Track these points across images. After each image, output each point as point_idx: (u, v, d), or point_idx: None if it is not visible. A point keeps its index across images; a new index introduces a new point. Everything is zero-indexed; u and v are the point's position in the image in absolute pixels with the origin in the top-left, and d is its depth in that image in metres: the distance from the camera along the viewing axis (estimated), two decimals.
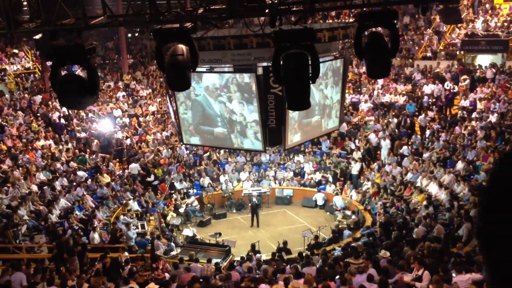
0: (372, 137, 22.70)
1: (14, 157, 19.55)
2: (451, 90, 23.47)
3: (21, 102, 24.93)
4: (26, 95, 25.85)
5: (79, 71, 19.64)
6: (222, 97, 13.33)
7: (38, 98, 25.63)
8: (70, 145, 22.68)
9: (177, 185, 21.98)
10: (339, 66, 14.08)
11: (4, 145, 20.99)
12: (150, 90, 29.03)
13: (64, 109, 24.15)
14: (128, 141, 23.87)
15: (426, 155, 20.26)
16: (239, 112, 13.33)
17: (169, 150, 23.74)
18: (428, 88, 24.31)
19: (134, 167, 22.04)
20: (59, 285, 11.06)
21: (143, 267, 13.16)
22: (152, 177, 21.95)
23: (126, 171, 22.00)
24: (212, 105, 13.66)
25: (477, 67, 24.73)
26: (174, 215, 20.37)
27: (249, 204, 20.88)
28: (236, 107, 13.28)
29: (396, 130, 22.64)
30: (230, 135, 13.91)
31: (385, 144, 21.97)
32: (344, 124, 23.77)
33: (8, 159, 19.54)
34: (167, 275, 12.56)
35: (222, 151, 24.03)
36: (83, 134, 23.65)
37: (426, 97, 23.97)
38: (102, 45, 34.41)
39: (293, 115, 13.42)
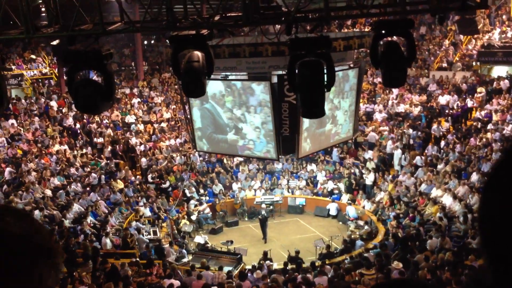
0: (388, 144, 22.52)
1: (18, 165, 19.74)
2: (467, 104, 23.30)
3: (38, 108, 25.17)
4: (42, 100, 26.11)
5: (95, 77, 19.79)
6: (227, 104, 13.51)
7: (53, 102, 25.88)
8: (85, 150, 22.84)
9: (188, 193, 22.01)
10: (343, 77, 13.85)
11: (20, 149, 21.20)
12: (165, 97, 29.19)
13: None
14: (142, 147, 23.99)
15: (440, 166, 20.08)
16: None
17: (183, 157, 23.81)
18: (443, 99, 24.15)
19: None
20: None
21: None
22: (167, 184, 22.04)
23: (138, 177, 22.11)
24: (221, 114, 13.77)
25: (495, 78, 24.54)
26: (187, 222, 20.38)
27: (258, 217, 20.45)
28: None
29: (411, 141, 22.47)
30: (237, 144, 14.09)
31: (397, 153, 21.83)
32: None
33: (23, 164, 19.72)
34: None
35: (235, 159, 24.07)
36: (99, 140, 23.82)
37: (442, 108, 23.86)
38: (118, 52, 34.68)
39: (305, 127, 13.41)
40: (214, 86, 13.33)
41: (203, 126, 14.37)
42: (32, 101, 25.75)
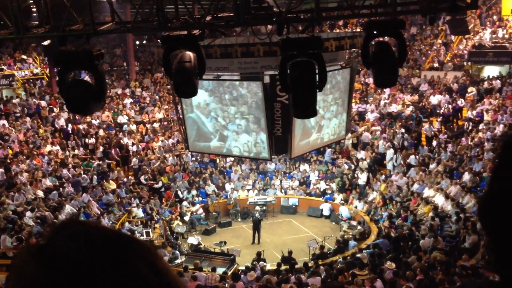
0: (380, 144, 22.58)
1: (7, 167, 19.62)
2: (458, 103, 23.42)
3: (27, 108, 24.98)
4: (34, 101, 25.93)
5: (87, 78, 19.68)
6: (211, 113, 13.56)
7: (44, 103, 25.72)
8: (77, 151, 22.71)
9: (181, 194, 21.95)
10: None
11: (11, 150, 21.05)
12: (157, 97, 29.09)
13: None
14: (134, 148, 23.91)
15: (432, 166, 20.15)
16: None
17: (175, 157, 23.75)
18: (435, 99, 24.25)
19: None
20: None
21: None
22: (159, 184, 21.98)
23: (131, 177, 22.02)
24: (206, 122, 13.82)
25: (486, 78, 24.71)
26: (180, 223, 20.32)
27: (251, 219, 20.41)
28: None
29: (406, 142, 22.49)
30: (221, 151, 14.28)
31: (389, 153, 21.89)
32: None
33: (14, 165, 19.59)
34: None
35: (228, 160, 24.06)
36: (91, 140, 23.69)
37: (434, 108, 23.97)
38: (110, 52, 34.54)
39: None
40: (198, 96, 13.34)
41: (188, 134, 14.49)
42: (15, 102, 25.38)
